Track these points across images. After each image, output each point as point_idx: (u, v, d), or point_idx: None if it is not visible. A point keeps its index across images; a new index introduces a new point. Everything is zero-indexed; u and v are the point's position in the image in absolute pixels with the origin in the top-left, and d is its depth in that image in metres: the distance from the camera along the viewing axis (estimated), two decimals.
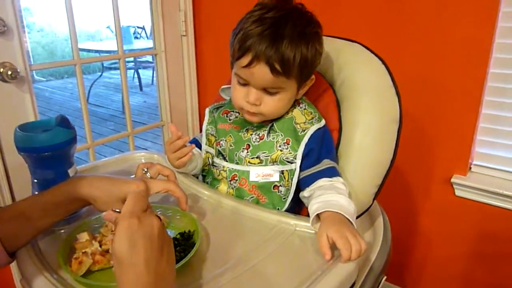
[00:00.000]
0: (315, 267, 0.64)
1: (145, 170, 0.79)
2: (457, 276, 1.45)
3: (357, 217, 0.80)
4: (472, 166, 1.34)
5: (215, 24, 1.71)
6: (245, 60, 0.77)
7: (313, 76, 0.86)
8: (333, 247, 0.66)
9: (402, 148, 0.88)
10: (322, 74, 0.96)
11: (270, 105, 0.82)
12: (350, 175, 0.85)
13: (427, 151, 1.37)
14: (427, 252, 1.49)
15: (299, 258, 0.69)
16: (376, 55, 0.91)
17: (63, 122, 0.75)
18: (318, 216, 0.73)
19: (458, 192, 1.34)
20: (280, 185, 0.85)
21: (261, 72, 0.76)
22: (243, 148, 0.87)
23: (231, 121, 0.91)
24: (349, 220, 0.71)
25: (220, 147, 0.90)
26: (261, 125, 0.87)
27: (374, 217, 0.95)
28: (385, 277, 0.86)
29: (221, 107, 0.95)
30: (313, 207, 0.75)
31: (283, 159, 0.84)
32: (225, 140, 0.90)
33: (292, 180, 0.84)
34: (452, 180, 1.32)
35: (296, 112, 0.87)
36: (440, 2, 1.22)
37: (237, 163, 0.87)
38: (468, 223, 1.36)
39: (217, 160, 0.91)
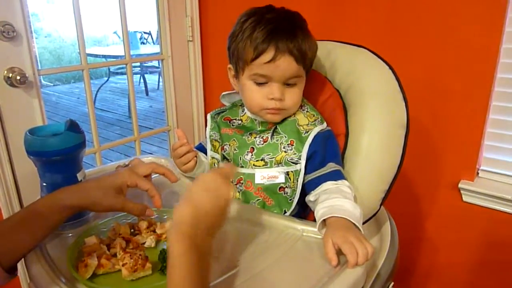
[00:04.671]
0: (323, 273, 0.64)
1: (126, 163, 0.83)
2: (464, 283, 1.43)
3: (364, 222, 0.80)
4: (479, 171, 1.33)
5: (222, 29, 1.71)
6: (267, 56, 0.79)
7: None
8: (340, 252, 0.66)
9: (409, 153, 0.88)
10: (329, 79, 0.96)
11: (293, 97, 0.84)
12: (357, 180, 0.85)
13: (434, 156, 1.36)
14: (434, 258, 1.48)
15: (307, 263, 0.69)
16: (383, 60, 0.91)
17: (73, 127, 0.75)
18: (324, 221, 0.73)
19: (465, 198, 1.33)
20: (286, 187, 0.85)
21: (287, 63, 0.79)
22: (247, 152, 0.87)
23: (234, 126, 0.92)
24: (355, 224, 0.71)
25: (225, 151, 0.91)
26: (264, 128, 0.88)
27: (381, 222, 0.95)
28: (392, 283, 0.86)
29: (222, 112, 0.96)
30: (319, 212, 0.75)
31: (287, 160, 0.84)
32: (229, 145, 0.90)
33: (297, 181, 0.84)
34: (460, 185, 1.31)
35: (299, 114, 0.88)
36: (447, 7, 1.22)
37: (242, 167, 0.88)
38: (476, 229, 1.35)
39: (222, 165, 0.91)
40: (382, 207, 0.90)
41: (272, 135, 0.87)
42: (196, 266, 0.52)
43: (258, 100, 0.84)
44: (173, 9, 1.67)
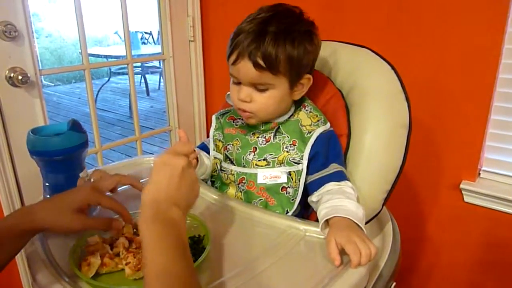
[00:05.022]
0: (325, 273, 0.64)
1: (87, 178, 0.80)
2: (465, 283, 1.43)
3: (366, 223, 0.80)
4: (481, 172, 1.33)
5: (223, 29, 1.72)
6: (233, 57, 0.79)
7: (309, 76, 0.85)
8: (343, 253, 0.66)
9: (411, 153, 0.88)
10: (331, 79, 0.96)
11: (261, 102, 0.82)
12: (359, 181, 0.85)
13: (435, 157, 1.36)
14: (435, 258, 1.48)
15: (309, 263, 0.69)
16: (385, 60, 0.91)
17: (76, 126, 0.76)
18: (327, 221, 0.73)
19: (467, 198, 1.33)
20: (288, 187, 0.85)
21: (245, 68, 0.78)
22: (249, 151, 0.88)
23: (238, 126, 0.92)
24: (358, 225, 0.71)
25: (227, 151, 0.91)
26: (267, 128, 0.88)
27: (383, 222, 0.95)
28: (394, 283, 0.86)
29: (227, 113, 0.96)
30: (322, 213, 0.75)
31: (290, 160, 0.84)
32: (232, 144, 0.90)
33: (299, 181, 0.84)
34: (461, 186, 1.31)
35: (302, 114, 0.88)
36: (449, 8, 1.22)
37: (244, 166, 0.88)
38: (477, 229, 1.35)
39: (225, 165, 0.91)
40: (384, 207, 0.90)
41: (275, 135, 0.87)
42: (161, 236, 0.54)
43: (233, 98, 0.85)
44: (175, 9, 1.68)
